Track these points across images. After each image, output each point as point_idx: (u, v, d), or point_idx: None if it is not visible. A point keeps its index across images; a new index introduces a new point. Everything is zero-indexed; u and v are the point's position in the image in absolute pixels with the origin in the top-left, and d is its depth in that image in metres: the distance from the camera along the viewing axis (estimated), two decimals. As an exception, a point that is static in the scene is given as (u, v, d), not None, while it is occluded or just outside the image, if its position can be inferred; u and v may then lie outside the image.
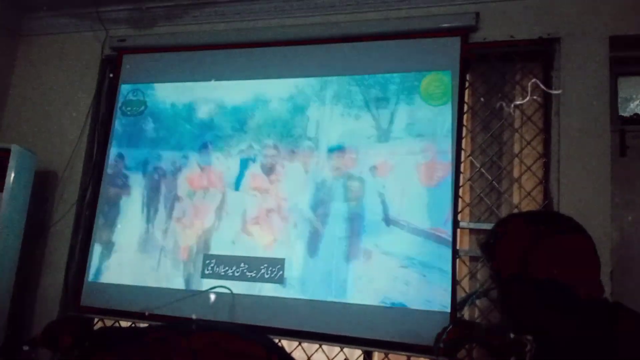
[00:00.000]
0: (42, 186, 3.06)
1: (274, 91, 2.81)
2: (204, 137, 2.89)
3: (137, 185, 2.93)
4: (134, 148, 3.00)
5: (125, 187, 2.95)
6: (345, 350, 2.48)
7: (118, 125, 3.07)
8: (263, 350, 1.26)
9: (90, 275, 2.89)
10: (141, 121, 3.03)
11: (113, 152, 3.03)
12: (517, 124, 2.54)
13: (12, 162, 2.75)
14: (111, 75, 3.18)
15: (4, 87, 3.37)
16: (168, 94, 3.01)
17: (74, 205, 3.03)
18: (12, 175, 2.74)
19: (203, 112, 2.92)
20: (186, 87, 2.98)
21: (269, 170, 2.74)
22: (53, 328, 1.83)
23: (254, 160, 2.77)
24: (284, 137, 2.74)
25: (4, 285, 2.71)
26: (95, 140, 3.13)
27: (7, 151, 2.76)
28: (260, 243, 2.66)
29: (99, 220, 2.95)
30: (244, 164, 2.79)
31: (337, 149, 2.64)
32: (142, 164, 2.96)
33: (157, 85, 3.05)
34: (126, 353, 1.74)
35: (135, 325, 2.69)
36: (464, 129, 2.54)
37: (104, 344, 1.79)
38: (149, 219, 2.87)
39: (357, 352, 2.47)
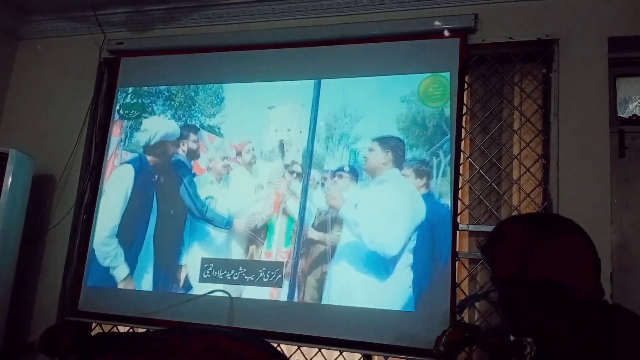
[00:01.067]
0: (40, 190, 3.05)
1: (271, 93, 2.80)
2: (203, 140, 2.88)
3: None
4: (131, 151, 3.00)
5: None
6: (345, 353, 2.46)
7: (116, 128, 3.06)
8: (264, 354, 1.24)
9: (89, 280, 2.88)
10: (139, 124, 3.02)
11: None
12: (516, 126, 2.53)
13: (10, 166, 2.74)
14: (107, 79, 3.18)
15: (1, 90, 3.36)
16: (166, 96, 3.01)
17: (72, 209, 3.02)
18: (10, 179, 2.73)
19: (200, 114, 2.92)
20: (184, 90, 2.98)
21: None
22: (51, 333, 1.82)
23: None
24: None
25: (2, 289, 2.70)
26: (93, 143, 3.12)
27: (5, 155, 2.75)
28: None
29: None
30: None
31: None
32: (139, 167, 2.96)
33: (155, 89, 3.04)
34: (124, 356, 1.73)
35: (133, 330, 2.68)
36: (463, 131, 2.54)
37: (102, 348, 1.78)
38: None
39: (357, 356, 2.46)
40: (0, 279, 2.69)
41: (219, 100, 2.91)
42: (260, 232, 2.67)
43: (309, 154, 2.68)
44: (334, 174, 2.62)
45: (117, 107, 3.09)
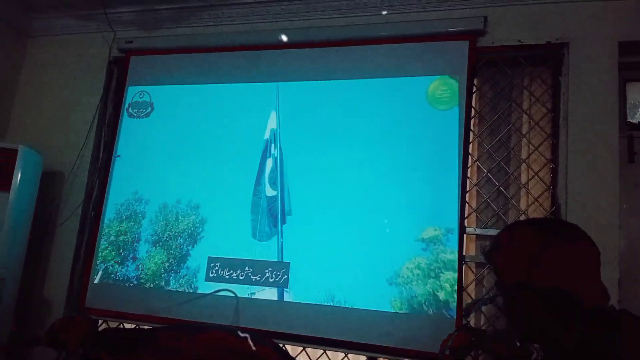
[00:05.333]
0: (49, 186, 3.07)
1: (281, 93, 2.81)
2: (214, 139, 2.90)
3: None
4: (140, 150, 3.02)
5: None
6: (350, 355, 2.46)
7: (124, 126, 3.07)
8: (272, 353, 1.25)
9: (96, 276, 2.89)
10: (147, 123, 3.04)
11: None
12: (524, 129, 2.52)
13: (18, 163, 2.76)
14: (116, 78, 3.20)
15: (11, 87, 3.38)
16: (174, 96, 3.02)
17: (80, 206, 3.03)
18: (19, 175, 2.75)
19: (209, 114, 2.93)
20: (193, 90, 2.99)
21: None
22: (57, 327, 1.83)
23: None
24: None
25: (10, 285, 2.71)
26: (101, 141, 3.14)
27: (15, 151, 2.77)
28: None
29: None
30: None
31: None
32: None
33: (164, 88, 3.05)
34: (131, 352, 1.74)
35: (139, 327, 2.69)
36: (471, 134, 2.53)
37: (107, 344, 1.79)
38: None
39: (362, 358, 2.46)
40: (9, 275, 2.70)
41: (215, 100, 2.94)
42: (264, 231, 2.68)
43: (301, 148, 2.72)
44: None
45: (126, 105, 3.10)
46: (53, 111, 3.27)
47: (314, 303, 2.49)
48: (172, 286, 2.74)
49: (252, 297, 2.59)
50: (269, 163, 2.77)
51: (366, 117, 2.64)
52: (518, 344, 1.61)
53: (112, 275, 2.87)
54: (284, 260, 2.60)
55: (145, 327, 2.52)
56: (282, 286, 2.57)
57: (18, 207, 2.75)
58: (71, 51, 3.32)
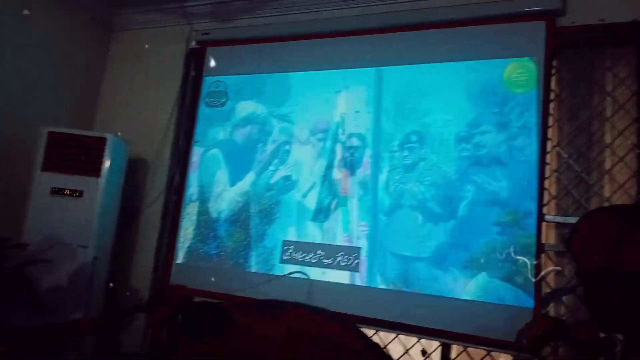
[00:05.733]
0: (134, 173, 3.28)
1: (353, 80, 2.83)
2: (287, 125, 2.97)
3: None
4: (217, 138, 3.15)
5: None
6: (423, 341, 2.48)
7: (202, 115, 3.21)
8: (358, 341, 1.29)
9: (178, 258, 3.07)
10: (223, 112, 3.16)
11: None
12: (608, 113, 2.41)
13: (107, 150, 2.96)
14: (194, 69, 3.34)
15: (98, 80, 3.62)
16: (249, 84, 3.12)
17: (162, 191, 3.22)
18: (108, 162, 2.95)
19: (283, 101, 3.01)
20: (267, 78, 3.07)
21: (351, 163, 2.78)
22: (156, 298, 1.96)
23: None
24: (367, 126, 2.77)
25: (100, 267, 2.93)
26: (181, 130, 3.30)
27: (103, 140, 2.97)
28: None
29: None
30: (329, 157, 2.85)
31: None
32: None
33: (239, 77, 3.16)
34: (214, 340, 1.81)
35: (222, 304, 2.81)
36: (550, 118, 2.44)
37: (201, 314, 1.90)
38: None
39: (435, 344, 2.47)
40: (102, 254, 2.93)
41: (287, 88, 3.01)
42: (333, 214, 2.73)
43: (377, 133, 2.72)
44: (403, 147, 2.63)
45: (203, 95, 3.24)
46: (135, 102, 3.47)
47: (386, 288, 2.52)
48: (250, 266, 2.87)
49: (324, 280, 2.66)
50: (339, 148, 2.81)
51: (442, 100, 2.61)
52: (602, 335, 1.57)
53: (194, 254, 3.04)
54: (356, 245, 2.64)
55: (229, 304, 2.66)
56: (353, 270, 2.62)
57: (108, 191, 2.96)
58: (151, 44, 3.50)
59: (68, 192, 2.88)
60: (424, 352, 2.49)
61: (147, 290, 3.12)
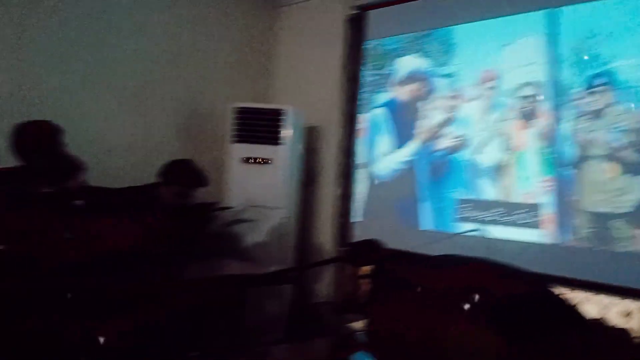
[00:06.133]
0: (310, 139, 3.56)
1: (523, 27, 2.72)
2: (453, 81, 2.98)
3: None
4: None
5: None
6: (625, 303, 2.32)
7: (366, 79, 3.35)
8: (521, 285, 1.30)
9: (355, 216, 3.32)
10: (386, 75, 3.26)
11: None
12: None
13: (287, 120, 3.24)
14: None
15: (272, 55, 3.94)
16: (411, 45, 3.16)
17: (335, 155, 3.46)
18: (290, 131, 3.24)
19: (450, 58, 3.01)
20: (429, 36, 3.09)
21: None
22: (359, 250, 2.15)
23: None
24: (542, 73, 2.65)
25: (290, 222, 3.30)
26: (347, 96, 3.47)
27: (283, 111, 3.26)
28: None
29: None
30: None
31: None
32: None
33: (400, 38, 3.21)
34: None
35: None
36: None
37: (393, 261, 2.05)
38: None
39: (633, 306, 2.32)
40: (292, 214, 3.30)
41: (451, 43, 2.99)
42: (509, 170, 2.70)
43: (554, 80, 2.59)
44: (588, 92, 2.47)
45: (366, 60, 3.35)
46: (303, 72, 3.72)
47: (577, 246, 2.44)
48: (424, 224, 2.99)
49: (504, 238, 2.65)
50: (511, 99, 2.73)
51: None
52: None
53: (368, 213, 3.26)
54: (538, 202, 2.58)
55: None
56: (537, 227, 2.57)
57: (292, 158, 3.28)
58: (314, 15, 3.69)
59: (258, 161, 3.23)
60: (627, 314, 2.37)
61: (329, 245, 3.42)
